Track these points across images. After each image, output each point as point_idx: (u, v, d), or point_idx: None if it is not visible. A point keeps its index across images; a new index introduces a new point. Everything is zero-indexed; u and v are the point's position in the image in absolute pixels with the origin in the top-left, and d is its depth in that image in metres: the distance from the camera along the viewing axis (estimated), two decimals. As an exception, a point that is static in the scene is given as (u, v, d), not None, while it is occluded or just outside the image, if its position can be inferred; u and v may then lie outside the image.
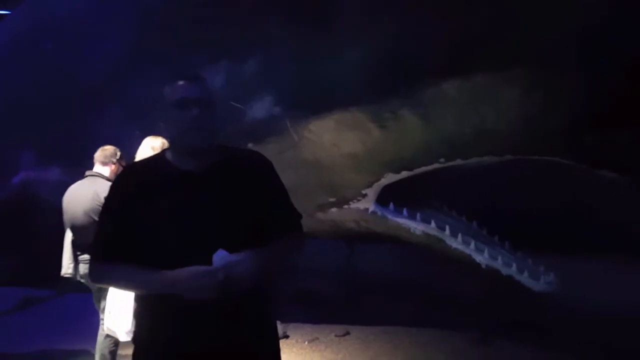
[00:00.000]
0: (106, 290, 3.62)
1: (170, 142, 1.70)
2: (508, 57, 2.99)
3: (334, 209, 4.09)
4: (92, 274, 1.77)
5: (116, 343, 3.65)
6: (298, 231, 1.80)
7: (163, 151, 1.74)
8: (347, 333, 4.56)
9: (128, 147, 3.99)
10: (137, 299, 1.72)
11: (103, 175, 3.80)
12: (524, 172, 3.94)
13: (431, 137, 3.44)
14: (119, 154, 3.91)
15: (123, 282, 1.71)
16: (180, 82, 1.65)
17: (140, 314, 1.69)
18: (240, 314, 1.58)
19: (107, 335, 3.58)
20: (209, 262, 1.51)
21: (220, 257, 1.50)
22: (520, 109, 3.07)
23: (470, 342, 4.12)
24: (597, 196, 3.72)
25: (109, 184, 3.72)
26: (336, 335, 4.52)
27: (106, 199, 1.74)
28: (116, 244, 1.63)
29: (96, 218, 3.64)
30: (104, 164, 3.85)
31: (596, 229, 3.91)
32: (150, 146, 3.57)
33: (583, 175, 3.30)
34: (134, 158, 3.69)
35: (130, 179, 1.70)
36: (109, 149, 3.90)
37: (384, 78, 3.35)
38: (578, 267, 3.83)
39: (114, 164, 3.88)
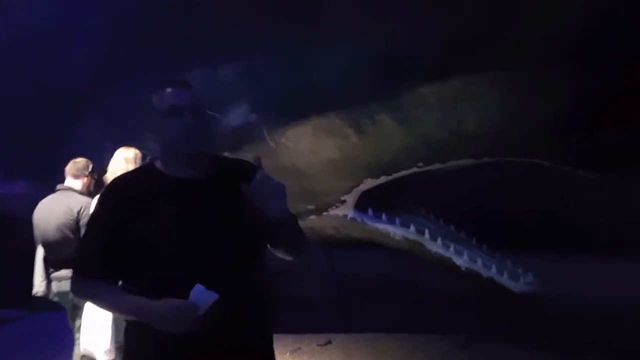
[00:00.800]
0: (81, 309, 3.51)
1: (162, 150, 1.64)
2: (486, 60, 3.01)
3: (312, 216, 4.07)
4: (75, 290, 1.70)
5: (92, 363, 3.53)
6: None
7: (151, 161, 1.68)
8: (329, 342, 4.52)
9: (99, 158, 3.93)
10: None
11: (75, 189, 3.69)
12: (496, 175, 4.00)
13: (409, 142, 3.46)
14: (91, 166, 3.80)
15: (104, 304, 1.65)
16: (169, 90, 1.60)
17: (130, 332, 1.62)
18: (236, 326, 1.54)
19: (83, 356, 3.45)
20: (209, 270, 1.47)
21: (197, 292, 1.43)
22: (499, 113, 3.10)
23: (455, 345, 4.13)
24: (571, 196, 3.79)
25: (82, 197, 3.67)
26: (318, 345, 4.48)
27: (94, 212, 1.67)
28: (103, 260, 1.56)
29: (69, 234, 3.55)
30: (76, 177, 3.74)
31: (570, 228, 3.98)
32: (123, 157, 3.48)
33: (558, 175, 3.36)
34: (106, 170, 3.60)
35: (121, 191, 1.63)
36: (80, 161, 3.79)
37: (362, 83, 3.35)
38: (555, 266, 3.88)
39: (86, 176, 3.77)
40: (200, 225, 1.53)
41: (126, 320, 1.61)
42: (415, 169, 3.56)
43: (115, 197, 1.62)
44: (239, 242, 1.56)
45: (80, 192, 3.70)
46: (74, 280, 1.68)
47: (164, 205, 1.56)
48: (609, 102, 2.90)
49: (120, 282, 1.59)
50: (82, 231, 3.46)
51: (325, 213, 3.99)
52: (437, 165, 3.51)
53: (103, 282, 1.56)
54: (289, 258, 1.73)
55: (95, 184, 3.77)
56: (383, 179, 3.70)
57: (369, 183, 3.78)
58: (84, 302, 3.49)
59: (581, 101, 2.96)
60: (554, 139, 3.14)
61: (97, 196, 3.39)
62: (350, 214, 3.97)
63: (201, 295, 1.43)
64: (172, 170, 1.61)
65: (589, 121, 2.99)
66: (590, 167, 3.20)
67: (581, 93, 2.94)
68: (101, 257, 1.57)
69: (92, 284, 1.58)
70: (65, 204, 3.56)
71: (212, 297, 1.43)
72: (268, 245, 1.69)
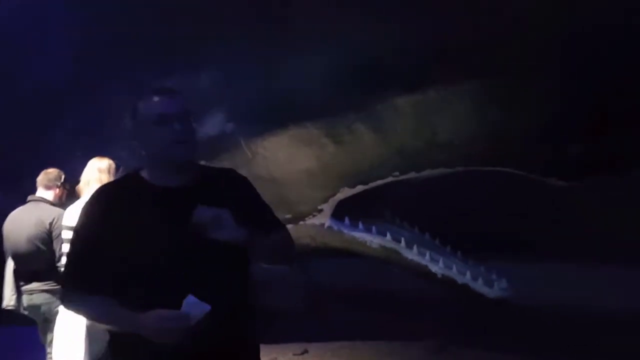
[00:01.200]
0: (53, 322, 3.44)
1: (148, 159, 1.62)
2: (460, 71, 3.08)
3: (289, 225, 4.02)
4: (64, 302, 1.69)
5: (64, 378, 3.45)
6: (284, 229, 1.78)
7: (136, 171, 1.66)
8: (306, 351, 4.51)
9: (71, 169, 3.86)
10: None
11: (47, 200, 3.61)
12: (467, 183, 4.08)
13: (386, 151, 3.50)
14: (63, 177, 3.74)
15: (94, 316, 1.62)
16: (156, 98, 1.58)
17: (115, 344, 1.60)
18: (224, 337, 1.53)
19: (55, 371, 3.38)
20: (197, 280, 1.46)
21: (190, 303, 1.42)
22: (472, 123, 3.17)
23: (430, 351, 4.18)
24: (542, 203, 3.89)
25: (54, 208, 3.60)
26: (294, 354, 4.47)
27: (80, 222, 1.64)
28: (92, 272, 1.54)
29: (41, 245, 3.47)
30: (48, 188, 3.66)
31: (540, 234, 4.09)
32: (96, 168, 3.43)
33: (529, 183, 3.45)
34: (78, 181, 3.54)
35: (107, 201, 1.60)
36: (52, 172, 3.72)
37: (339, 93, 3.38)
38: (526, 271, 3.97)
39: (58, 187, 3.70)
40: (188, 235, 1.51)
41: (110, 332, 1.59)
42: (391, 178, 3.61)
43: (101, 207, 1.59)
44: (226, 252, 1.55)
45: (52, 203, 3.63)
46: (63, 292, 1.67)
47: (151, 215, 1.54)
48: (576, 113, 3.00)
49: (109, 293, 1.57)
50: (55, 243, 3.40)
51: (302, 222, 3.99)
52: (412, 174, 3.57)
53: (92, 294, 1.53)
54: (278, 267, 1.74)
55: (67, 195, 3.70)
56: (359, 187, 3.73)
57: (345, 192, 3.80)
58: (56, 316, 3.43)
59: (549, 112, 3.05)
60: (524, 148, 3.22)
61: (72, 206, 3.36)
62: (327, 222, 3.98)
63: (193, 306, 1.42)
64: (159, 179, 1.60)
65: (557, 131, 3.08)
66: (558, 175, 3.30)
67: (550, 104, 3.04)
68: (89, 268, 1.54)
69: (81, 296, 1.55)
70: (37, 215, 3.49)
71: (204, 308, 1.42)
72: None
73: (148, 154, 1.60)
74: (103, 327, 2.94)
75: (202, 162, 1.77)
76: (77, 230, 1.65)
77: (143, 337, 1.45)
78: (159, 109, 1.56)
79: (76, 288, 1.57)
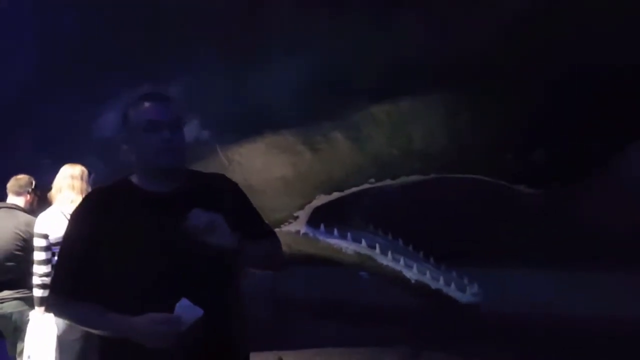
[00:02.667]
0: (24, 332, 3.36)
1: (138, 165, 1.62)
2: (433, 82, 3.17)
3: (265, 233, 4.07)
4: (53, 310, 1.66)
5: (33, 388, 3.36)
6: (273, 234, 1.81)
7: (126, 176, 1.66)
8: (280, 359, 4.51)
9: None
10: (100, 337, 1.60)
11: (19, 207, 3.54)
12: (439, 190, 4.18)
13: (361, 159, 3.55)
14: (34, 183, 3.67)
15: (83, 322, 1.61)
16: (147, 104, 1.59)
17: (105, 351, 1.58)
18: (216, 342, 1.54)
19: (26, 381, 3.29)
20: (189, 286, 1.46)
21: (183, 306, 1.43)
22: (445, 131, 3.26)
23: (402, 357, 4.23)
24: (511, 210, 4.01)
25: (26, 216, 3.52)
26: (269, 362, 4.46)
27: (70, 228, 1.63)
28: (82, 278, 1.53)
29: (15, 252, 3.40)
30: (19, 194, 3.60)
31: (510, 240, 4.21)
32: (69, 174, 3.39)
33: (494, 190, 3.56)
34: (50, 188, 3.48)
35: (97, 207, 1.60)
36: (23, 178, 3.66)
37: (315, 101, 3.43)
38: (497, 277, 4.08)
39: (29, 193, 3.63)
40: (178, 241, 1.52)
41: (100, 339, 1.58)
42: (367, 185, 3.65)
43: (92, 212, 1.59)
44: (218, 257, 1.56)
45: (23, 210, 3.55)
46: (51, 300, 1.64)
47: (141, 221, 1.55)
48: (542, 122, 3.13)
49: (99, 299, 1.56)
50: (28, 250, 3.33)
51: (277, 229, 3.96)
52: (387, 182, 3.62)
53: (83, 300, 1.52)
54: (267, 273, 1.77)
55: (38, 201, 3.64)
56: (335, 195, 3.76)
57: (321, 199, 3.82)
58: (27, 324, 3.35)
59: (516, 122, 3.17)
60: (493, 156, 3.33)
61: (44, 214, 3.30)
62: (303, 229, 4.00)
63: (186, 310, 1.43)
64: (149, 185, 1.61)
65: (523, 140, 3.20)
66: (526, 183, 3.42)
67: (517, 114, 3.15)
68: (79, 275, 1.53)
69: (71, 302, 1.54)
70: (10, 222, 3.42)
71: (197, 312, 1.43)
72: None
73: (138, 160, 1.61)
74: (78, 335, 2.92)
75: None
76: (67, 235, 1.64)
77: (134, 342, 1.45)
78: (148, 116, 1.57)
79: (66, 294, 1.56)
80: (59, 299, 1.60)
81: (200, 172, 1.76)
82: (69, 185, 3.36)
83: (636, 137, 3.05)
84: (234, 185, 1.77)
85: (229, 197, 1.69)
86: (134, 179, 1.64)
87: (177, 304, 1.43)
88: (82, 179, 3.42)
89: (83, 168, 3.49)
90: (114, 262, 1.51)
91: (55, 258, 3.22)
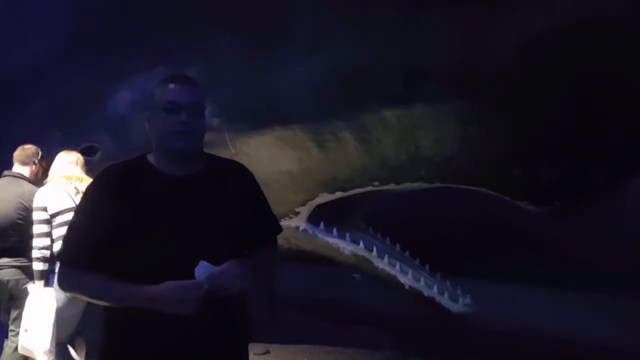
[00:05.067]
0: (18, 300, 3.37)
1: (155, 144, 1.64)
2: (446, 91, 3.19)
3: (265, 226, 4.08)
4: (62, 281, 1.65)
5: (25, 359, 3.37)
6: (274, 242, 1.82)
7: (143, 155, 1.68)
8: (267, 352, 4.53)
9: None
10: (107, 311, 1.61)
11: (24, 176, 3.55)
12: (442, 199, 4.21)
13: (368, 161, 3.56)
14: (40, 153, 3.68)
15: (96, 294, 1.58)
16: (171, 85, 1.61)
17: (112, 322, 1.59)
18: (215, 331, 1.56)
19: (16, 349, 3.30)
20: (194, 267, 1.48)
21: (202, 268, 1.46)
22: (454, 141, 3.28)
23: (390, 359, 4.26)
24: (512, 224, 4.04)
25: (30, 186, 3.53)
26: (256, 354, 4.47)
27: (84, 202, 1.64)
28: (94, 249, 1.54)
29: (17, 221, 3.41)
30: (24, 164, 3.61)
31: (509, 255, 4.24)
32: (65, 161, 3.44)
33: (496, 204, 3.58)
34: (52, 160, 3.51)
35: (113, 183, 1.61)
36: (29, 148, 3.67)
37: (329, 99, 3.44)
38: (491, 290, 4.10)
39: (35, 164, 3.65)
40: (187, 223, 1.55)
41: (107, 311, 1.59)
42: (370, 188, 3.67)
43: (107, 188, 1.60)
44: (226, 241, 1.59)
45: (28, 180, 3.57)
46: (61, 272, 1.64)
47: (151, 200, 1.56)
48: (552, 141, 3.16)
49: (110, 273, 1.56)
50: (29, 220, 3.34)
51: (278, 223, 4.02)
52: (392, 186, 3.64)
53: (93, 273, 1.53)
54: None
55: (43, 172, 3.65)
56: (338, 194, 3.78)
57: (324, 197, 3.85)
58: (22, 293, 3.36)
59: (525, 137, 3.20)
60: (500, 170, 3.36)
61: (43, 189, 3.31)
62: (303, 225, 4.02)
63: (206, 270, 1.46)
64: (164, 165, 1.62)
65: (530, 156, 3.23)
66: (529, 199, 3.44)
67: (526, 130, 3.18)
68: (93, 246, 1.54)
69: (82, 275, 1.55)
70: (14, 191, 3.43)
71: (216, 270, 1.46)
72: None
73: (156, 140, 1.63)
74: (77, 310, 2.93)
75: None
76: (82, 207, 1.64)
77: (141, 316, 1.46)
78: (170, 97, 1.59)
79: (79, 265, 1.56)
80: (69, 270, 1.61)
81: (219, 157, 1.77)
82: (65, 172, 3.39)
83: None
84: (250, 176, 1.78)
85: (243, 186, 1.71)
86: (151, 158, 1.65)
87: (197, 267, 1.46)
88: (77, 164, 3.45)
89: (79, 155, 3.53)
90: (126, 236, 1.52)
91: (55, 231, 3.25)
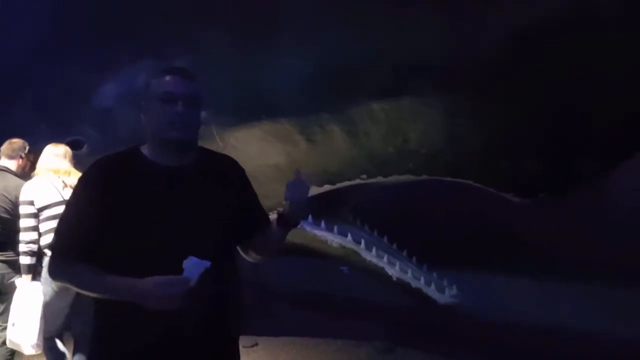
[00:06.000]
0: (4, 294, 3.36)
1: (150, 135, 1.64)
2: (433, 83, 3.21)
3: (253, 218, 4.09)
4: (52, 271, 1.65)
5: (12, 352, 3.36)
6: None
7: (136, 145, 1.68)
8: (256, 344, 4.56)
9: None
10: (97, 304, 1.61)
11: (10, 170, 3.53)
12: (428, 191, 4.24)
13: (356, 154, 3.58)
14: (27, 147, 3.66)
15: (86, 285, 1.58)
16: (168, 76, 1.61)
17: (102, 314, 1.60)
18: (205, 325, 1.57)
19: (3, 343, 3.30)
20: (185, 258, 1.48)
21: (191, 263, 1.45)
22: (441, 134, 3.31)
23: (378, 351, 4.30)
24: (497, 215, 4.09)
25: (17, 180, 3.51)
26: (244, 347, 4.49)
27: (76, 193, 1.64)
28: (86, 240, 1.54)
29: (4, 215, 3.39)
30: (11, 158, 3.59)
31: (494, 246, 4.29)
32: (53, 154, 3.42)
33: (482, 196, 3.62)
34: (39, 154, 3.49)
35: (106, 174, 1.61)
36: (17, 141, 3.65)
37: (316, 92, 3.45)
38: (477, 281, 4.15)
39: (22, 158, 3.63)
40: (182, 213, 1.56)
41: (97, 304, 1.59)
42: (358, 180, 3.69)
43: (99, 179, 1.60)
44: (216, 233, 1.60)
45: (15, 173, 3.54)
46: (52, 263, 1.64)
47: (144, 191, 1.57)
48: (538, 133, 3.19)
49: (102, 264, 1.57)
50: (16, 214, 3.32)
51: (266, 216, 4.02)
52: (379, 179, 3.66)
53: (84, 264, 1.53)
54: (252, 260, 1.81)
55: (31, 166, 3.63)
56: (327, 187, 3.79)
57: (312, 190, 3.83)
58: (8, 287, 3.35)
59: (512, 129, 3.23)
60: (486, 162, 3.39)
61: (30, 182, 3.29)
62: (290, 218, 4.02)
63: (194, 266, 1.45)
64: (157, 156, 1.63)
65: (515, 148, 3.27)
66: (514, 191, 3.49)
67: (511, 121, 3.21)
68: (84, 238, 1.55)
69: (73, 265, 1.56)
70: (2, 185, 3.40)
71: (204, 265, 1.46)
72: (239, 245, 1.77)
73: (150, 130, 1.63)
74: (65, 304, 2.92)
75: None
76: (74, 199, 1.64)
77: (132, 309, 1.46)
78: (166, 87, 1.60)
79: (70, 256, 1.56)
80: (60, 261, 1.60)
81: (212, 151, 1.78)
82: (53, 165, 3.37)
83: (629, 153, 3.13)
84: (242, 171, 1.81)
85: (234, 180, 1.74)
86: (144, 149, 1.65)
87: (185, 262, 1.45)
88: (65, 158, 3.43)
89: (67, 147, 3.51)
90: (118, 227, 1.53)
91: (42, 225, 3.23)
